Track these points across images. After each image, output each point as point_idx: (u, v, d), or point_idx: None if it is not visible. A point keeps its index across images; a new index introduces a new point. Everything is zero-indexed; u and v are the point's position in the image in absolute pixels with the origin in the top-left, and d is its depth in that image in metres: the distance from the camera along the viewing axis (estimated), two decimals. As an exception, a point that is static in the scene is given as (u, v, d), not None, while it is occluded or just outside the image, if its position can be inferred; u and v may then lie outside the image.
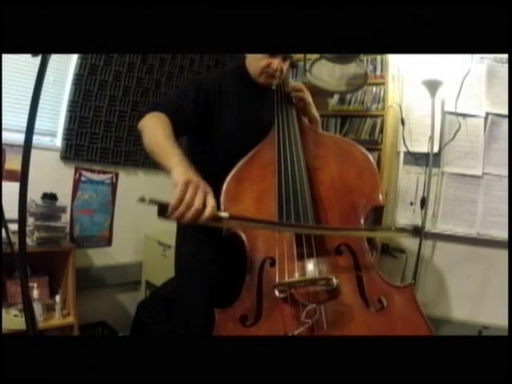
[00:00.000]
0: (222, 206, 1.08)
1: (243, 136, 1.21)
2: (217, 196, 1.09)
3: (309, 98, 1.31)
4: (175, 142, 0.98)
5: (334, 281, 0.91)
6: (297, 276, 0.96)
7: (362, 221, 1.03)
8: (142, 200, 0.75)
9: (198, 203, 0.78)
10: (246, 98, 1.27)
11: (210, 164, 1.22)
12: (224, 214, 0.84)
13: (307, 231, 1.01)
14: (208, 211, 0.79)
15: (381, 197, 1.06)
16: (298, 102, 1.29)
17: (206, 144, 1.25)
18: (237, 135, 1.22)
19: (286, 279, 0.96)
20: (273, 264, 1.01)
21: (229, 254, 1.13)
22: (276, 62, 1.20)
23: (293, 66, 2.34)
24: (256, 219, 1.01)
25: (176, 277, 1.39)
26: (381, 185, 1.09)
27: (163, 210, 0.78)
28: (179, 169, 0.85)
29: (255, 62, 1.23)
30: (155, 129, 1.03)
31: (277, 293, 0.94)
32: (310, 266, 0.98)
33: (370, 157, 1.13)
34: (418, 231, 0.99)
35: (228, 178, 1.13)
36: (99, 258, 2.47)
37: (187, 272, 1.32)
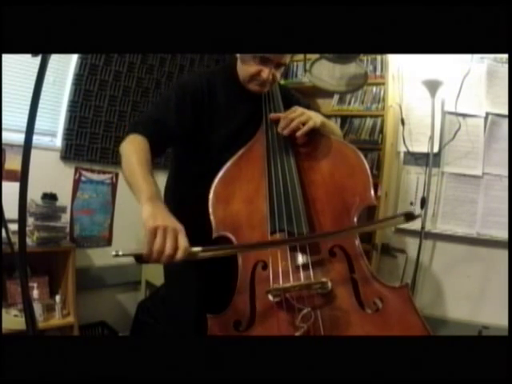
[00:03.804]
0: (210, 209, 1.06)
1: (233, 139, 1.17)
2: (206, 202, 1.07)
3: (306, 123, 1.11)
4: (149, 171, 0.96)
5: (329, 284, 0.90)
6: (291, 280, 0.93)
7: (355, 220, 1.01)
8: (117, 255, 0.78)
9: (168, 249, 0.79)
10: (236, 99, 1.21)
11: (199, 169, 1.19)
12: (197, 249, 0.84)
13: (290, 244, 0.98)
14: (179, 254, 0.80)
15: (373, 196, 1.04)
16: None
17: (195, 148, 1.21)
18: (226, 138, 1.18)
19: (281, 284, 0.93)
20: (265, 267, 0.98)
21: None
22: (267, 71, 1.11)
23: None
24: (234, 246, 1.01)
25: (164, 278, 1.37)
26: (372, 184, 1.07)
27: (139, 258, 0.81)
28: (147, 208, 0.85)
29: (245, 68, 1.15)
30: (130, 156, 0.99)
31: (271, 297, 0.92)
32: (304, 269, 0.95)
33: (362, 156, 1.11)
34: (411, 216, 0.94)
35: (216, 180, 1.10)
36: (99, 258, 2.47)
37: (175, 273, 1.29)
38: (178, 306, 1.29)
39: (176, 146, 1.26)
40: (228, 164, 1.12)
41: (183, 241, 0.81)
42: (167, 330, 1.40)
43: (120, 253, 0.78)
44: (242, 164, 1.13)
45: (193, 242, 0.84)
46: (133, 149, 1.02)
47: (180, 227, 0.83)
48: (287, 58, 1.17)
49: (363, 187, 1.06)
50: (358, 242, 1.00)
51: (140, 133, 1.05)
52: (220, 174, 1.11)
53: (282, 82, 2.42)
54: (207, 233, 1.03)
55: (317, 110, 1.38)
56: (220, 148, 1.18)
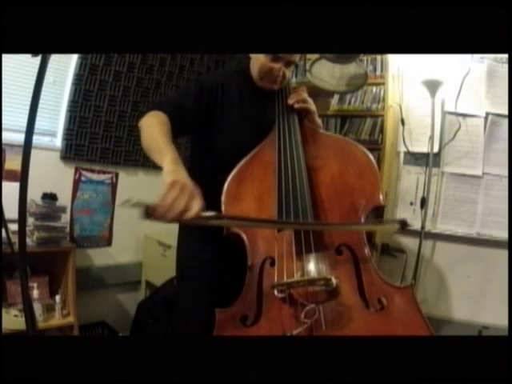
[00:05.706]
0: (223, 206, 1.09)
1: (245, 137, 1.21)
2: (218, 196, 1.10)
3: (312, 107, 1.28)
4: (171, 140, 0.99)
5: (334, 281, 0.91)
6: (296, 276, 0.96)
7: (363, 221, 1.03)
8: (126, 202, 0.76)
9: (180, 206, 0.79)
10: (249, 98, 1.27)
11: (212, 164, 1.24)
12: (209, 214, 0.84)
13: (295, 227, 1.01)
14: (191, 212, 0.80)
15: (381, 197, 1.06)
16: (303, 113, 1.27)
17: (208, 144, 1.25)
18: (238, 136, 1.22)
19: (285, 279, 0.95)
20: (273, 264, 1.01)
21: (229, 253, 1.14)
22: (278, 68, 1.19)
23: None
24: (245, 217, 1.02)
25: (177, 276, 1.40)
26: (381, 185, 1.09)
27: (146, 212, 0.78)
28: (169, 167, 0.87)
29: (257, 66, 1.22)
30: (153, 127, 1.05)
31: (276, 293, 0.94)
32: (310, 265, 0.97)
33: (371, 157, 1.13)
34: (405, 224, 0.98)
35: (229, 178, 1.13)
36: (99, 257, 2.47)
37: (188, 271, 1.33)
38: (190, 303, 1.31)
39: (191, 136, 1.31)
40: (241, 163, 1.16)
41: (198, 202, 0.82)
42: (177, 328, 1.41)
43: (130, 202, 0.76)
44: (254, 163, 1.17)
45: None
46: (156, 121, 1.07)
47: (198, 191, 0.84)
48: (297, 57, 1.24)
49: (371, 188, 1.08)
50: (364, 241, 1.01)
51: (163, 111, 1.11)
52: (233, 172, 1.14)
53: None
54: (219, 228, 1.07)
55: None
56: (231, 145, 1.22)
